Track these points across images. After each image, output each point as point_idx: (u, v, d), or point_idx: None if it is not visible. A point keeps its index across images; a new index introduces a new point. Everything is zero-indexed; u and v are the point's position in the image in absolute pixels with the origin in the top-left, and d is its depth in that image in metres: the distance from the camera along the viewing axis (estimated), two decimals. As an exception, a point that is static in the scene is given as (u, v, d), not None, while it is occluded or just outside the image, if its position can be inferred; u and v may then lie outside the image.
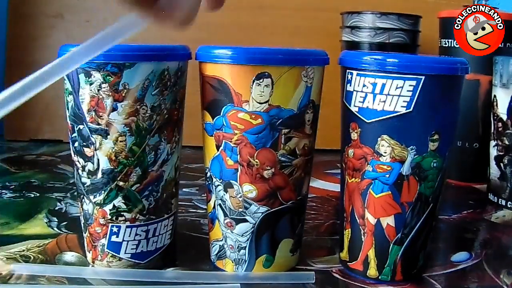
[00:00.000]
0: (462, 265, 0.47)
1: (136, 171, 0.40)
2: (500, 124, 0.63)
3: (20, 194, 0.61)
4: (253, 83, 0.39)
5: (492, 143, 0.64)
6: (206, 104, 0.42)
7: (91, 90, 0.39)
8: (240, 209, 0.41)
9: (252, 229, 0.42)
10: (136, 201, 0.41)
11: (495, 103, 0.63)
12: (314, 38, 0.85)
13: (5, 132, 0.90)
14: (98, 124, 0.39)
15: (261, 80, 0.39)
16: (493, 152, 0.64)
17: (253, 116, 0.39)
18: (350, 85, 0.41)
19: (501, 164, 0.63)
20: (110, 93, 0.39)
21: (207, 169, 0.43)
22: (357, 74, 0.40)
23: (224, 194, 0.42)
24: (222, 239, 0.43)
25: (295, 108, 0.40)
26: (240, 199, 0.41)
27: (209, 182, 0.43)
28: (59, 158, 0.79)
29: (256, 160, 0.40)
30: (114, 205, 0.41)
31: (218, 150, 0.41)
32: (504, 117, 0.62)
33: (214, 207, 0.43)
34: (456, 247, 0.51)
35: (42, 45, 0.88)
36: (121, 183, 0.40)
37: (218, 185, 0.42)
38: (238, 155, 0.40)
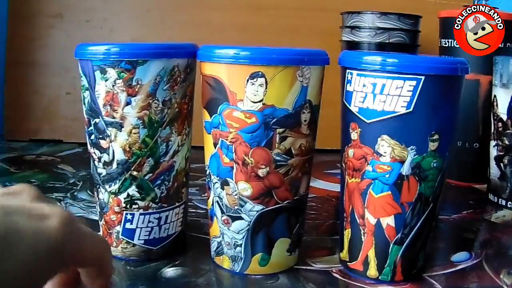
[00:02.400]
0: (462, 265, 0.47)
1: (149, 162, 0.43)
2: (500, 124, 0.63)
3: (20, 194, 0.61)
4: (247, 82, 0.39)
5: (492, 143, 0.64)
6: (205, 102, 0.42)
7: (106, 85, 0.41)
8: (236, 207, 0.41)
9: (248, 227, 0.42)
10: (149, 190, 0.43)
11: (495, 103, 0.63)
12: (314, 38, 0.85)
13: (5, 132, 0.90)
14: (113, 117, 0.42)
15: (255, 79, 0.39)
16: (493, 152, 0.64)
17: (248, 115, 0.39)
18: (350, 85, 0.41)
19: (501, 164, 0.63)
20: (124, 89, 0.41)
21: (207, 167, 0.43)
22: (357, 74, 0.40)
23: (221, 191, 0.42)
24: (220, 236, 0.43)
25: (290, 108, 0.40)
26: (236, 196, 0.41)
27: (208, 179, 0.43)
28: (59, 158, 0.79)
29: (251, 159, 0.40)
30: (128, 194, 0.43)
31: (215, 147, 0.41)
32: (504, 117, 0.62)
33: (212, 204, 0.43)
34: (456, 247, 0.51)
35: (42, 45, 0.89)
36: (134, 173, 0.43)
37: (216, 182, 0.42)
38: (234, 153, 0.40)
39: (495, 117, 0.64)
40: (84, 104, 0.43)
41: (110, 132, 0.42)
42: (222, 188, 0.42)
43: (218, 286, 0.42)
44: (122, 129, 0.42)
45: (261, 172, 0.40)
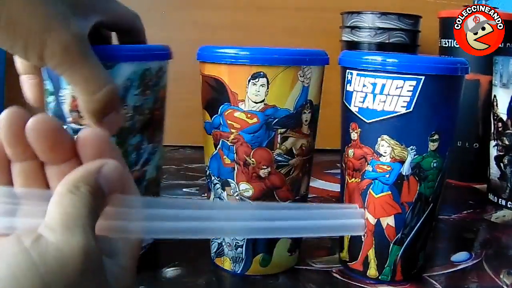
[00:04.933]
0: (462, 265, 0.47)
1: None
2: (500, 124, 0.63)
3: (20, 194, 0.61)
4: (248, 83, 0.39)
5: (492, 143, 0.64)
6: (205, 103, 0.42)
7: (72, 91, 0.38)
8: None
9: None
10: None
11: (495, 103, 0.63)
12: (314, 38, 0.85)
13: (5, 132, 0.89)
14: (80, 124, 0.39)
15: (256, 80, 0.39)
16: (493, 152, 0.64)
17: (249, 115, 0.39)
18: (350, 85, 0.41)
19: (501, 164, 0.63)
20: None
21: (207, 167, 0.43)
22: (357, 74, 0.40)
23: (222, 192, 0.42)
24: (221, 237, 0.43)
25: (291, 108, 0.40)
26: (237, 197, 0.41)
27: (209, 180, 0.43)
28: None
29: (252, 159, 0.40)
30: None
31: (216, 148, 0.41)
32: (504, 117, 0.62)
33: (213, 205, 0.43)
34: (456, 247, 0.51)
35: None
36: None
37: (216, 183, 0.42)
38: (235, 154, 0.40)
39: (495, 117, 0.64)
40: (47, 109, 0.40)
41: None
42: (223, 189, 0.42)
43: (218, 286, 0.42)
44: None
45: (263, 173, 0.40)
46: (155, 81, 0.40)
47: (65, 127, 0.40)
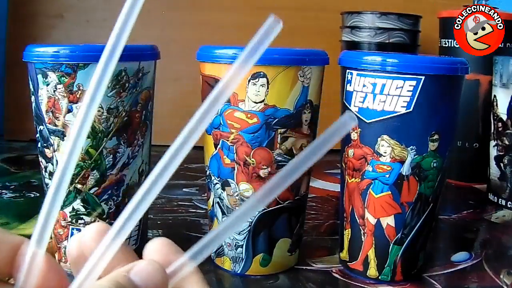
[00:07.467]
0: (462, 265, 0.47)
1: (94, 174, 0.40)
2: (500, 124, 0.63)
3: (20, 194, 0.61)
4: (248, 83, 0.39)
5: (492, 143, 0.64)
6: (206, 103, 0.42)
7: (47, 91, 0.38)
8: (237, 208, 0.41)
9: (249, 227, 0.42)
10: (95, 205, 0.40)
11: (495, 103, 0.63)
12: (314, 38, 0.85)
13: (5, 132, 0.90)
14: (55, 125, 0.39)
15: (256, 80, 0.39)
16: (493, 152, 0.64)
17: (249, 115, 0.39)
18: (350, 85, 0.41)
19: (501, 164, 0.63)
20: (65, 94, 0.38)
21: (207, 167, 0.43)
22: (357, 74, 0.40)
23: (222, 192, 0.42)
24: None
25: (291, 108, 0.40)
26: (237, 197, 0.41)
27: (209, 180, 0.43)
28: (59, 158, 0.78)
29: (252, 159, 0.40)
30: (73, 208, 0.40)
31: (216, 148, 0.41)
32: (504, 117, 0.62)
33: (213, 205, 0.43)
34: (456, 247, 0.51)
35: (42, 45, 0.88)
36: (79, 186, 0.40)
37: (216, 183, 0.42)
38: (235, 154, 0.40)
39: (495, 117, 0.64)
40: (32, 109, 0.40)
41: (53, 140, 0.39)
42: (223, 189, 0.42)
43: (218, 286, 0.42)
44: (65, 138, 0.39)
45: (263, 173, 0.40)
46: (134, 83, 0.39)
47: (42, 128, 0.39)
